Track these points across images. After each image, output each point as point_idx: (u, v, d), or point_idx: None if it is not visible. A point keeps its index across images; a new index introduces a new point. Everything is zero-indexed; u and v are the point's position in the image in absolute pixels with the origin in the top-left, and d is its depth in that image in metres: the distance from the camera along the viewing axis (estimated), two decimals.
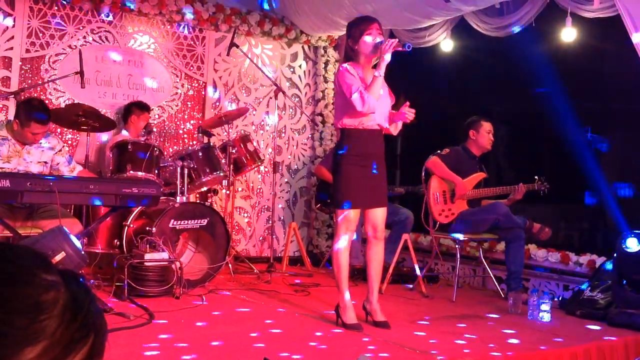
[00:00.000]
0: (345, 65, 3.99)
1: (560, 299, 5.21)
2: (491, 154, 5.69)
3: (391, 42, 3.84)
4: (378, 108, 3.92)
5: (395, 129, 4.14)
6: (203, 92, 6.69)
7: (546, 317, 4.44)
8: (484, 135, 5.46)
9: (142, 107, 5.91)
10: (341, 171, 3.99)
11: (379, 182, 4.07)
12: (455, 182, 5.31)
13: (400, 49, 3.83)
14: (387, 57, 3.86)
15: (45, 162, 4.57)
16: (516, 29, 5.44)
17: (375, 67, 3.96)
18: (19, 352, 0.75)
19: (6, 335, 0.75)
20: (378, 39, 3.93)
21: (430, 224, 5.41)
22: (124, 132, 5.83)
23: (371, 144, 4.00)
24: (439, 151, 5.45)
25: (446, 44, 6.20)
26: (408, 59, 3.91)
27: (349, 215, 3.98)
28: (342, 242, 3.99)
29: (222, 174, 5.38)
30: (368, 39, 3.93)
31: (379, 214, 4.08)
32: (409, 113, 3.99)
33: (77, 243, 3.60)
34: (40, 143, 4.56)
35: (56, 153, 4.62)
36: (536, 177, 5.36)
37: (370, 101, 3.84)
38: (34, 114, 4.37)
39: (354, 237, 4.25)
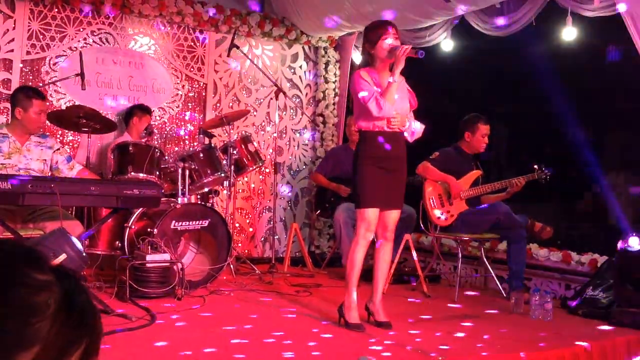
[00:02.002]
0: (359, 71, 4.04)
1: (562, 298, 5.21)
2: (492, 153, 5.68)
3: (405, 49, 3.87)
4: (395, 111, 3.95)
5: (410, 136, 4.14)
6: (203, 93, 6.70)
7: (548, 316, 4.44)
8: (478, 139, 5.44)
9: (143, 110, 5.93)
10: (359, 172, 4.03)
11: (396, 183, 4.08)
12: (449, 182, 5.30)
13: (413, 55, 3.88)
14: (401, 63, 3.90)
15: (45, 160, 4.58)
16: (516, 29, 5.43)
17: (391, 69, 3.98)
18: (12, 357, 0.73)
19: None
20: (395, 43, 3.96)
21: (430, 228, 5.40)
22: (126, 135, 5.85)
23: (389, 146, 4.01)
24: (430, 156, 5.44)
25: (446, 44, 6.20)
26: (408, 59, 3.92)
27: (368, 214, 3.99)
28: (361, 242, 4.00)
29: (223, 175, 5.38)
30: (384, 44, 3.96)
31: (392, 216, 4.09)
32: (393, 122, 4.00)
33: (79, 245, 3.60)
34: (39, 142, 4.58)
35: (55, 152, 4.64)
36: (535, 166, 5.31)
37: (386, 106, 3.88)
38: (31, 92, 4.57)
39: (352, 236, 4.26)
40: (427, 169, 5.36)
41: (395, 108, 3.97)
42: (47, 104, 4.63)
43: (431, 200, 5.31)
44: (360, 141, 4.10)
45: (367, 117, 3.97)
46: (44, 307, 0.76)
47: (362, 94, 3.91)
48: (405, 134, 4.11)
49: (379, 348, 3.51)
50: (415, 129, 4.11)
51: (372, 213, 3.99)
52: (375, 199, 3.99)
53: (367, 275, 4.34)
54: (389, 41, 3.96)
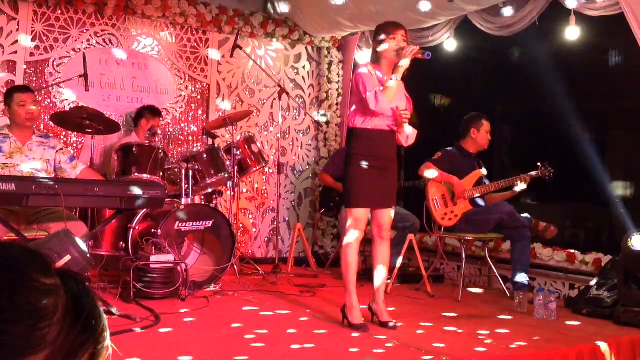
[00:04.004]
0: (365, 64, 4.07)
1: (566, 297, 5.20)
2: (495, 153, 5.68)
3: (412, 49, 3.89)
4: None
5: (405, 141, 4.13)
6: (207, 94, 6.70)
7: (552, 316, 4.43)
8: (484, 135, 5.45)
9: (153, 112, 5.94)
10: (351, 170, 4.02)
11: (388, 182, 4.08)
12: (452, 182, 5.29)
13: (420, 56, 3.90)
14: (406, 63, 3.93)
15: (48, 160, 4.59)
16: (519, 29, 5.43)
17: (394, 71, 3.99)
18: None
19: (6, 345, 0.72)
20: (402, 45, 3.97)
21: (434, 229, 5.39)
22: (133, 135, 5.86)
23: (381, 145, 4.02)
24: (432, 157, 5.44)
25: (450, 44, 6.20)
26: (414, 60, 3.93)
27: (358, 214, 3.99)
28: (352, 242, 4.00)
29: (226, 176, 5.38)
30: (391, 43, 3.97)
31: (385, 215, 4.09)
32: (404, 114, 3.99)
33: (83, 246, 3.61)
34: (42, 142, 4.59)
35: (57, 152, 4.65)
36: (539, 164, 5.31)
37: (383, 102, 3.89)
38: (13, 88, 4.69)
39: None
40: (430, 170, 5.35)
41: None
42: (36, 96, 4.67)
43: (435, 201, 5.30)
44: (352, 139, 4.09)
45: (363, 114, 3.97)
46: (51, 311, 0.75)
47: (363, 85, 3.92)
48: (400, 139, 4.10)
49: (383, 349, 3.51)
50: (409, 133, 4.11)
51: (362, 213, 4.00)
52: (366, 198, 3.99)
53: (369, 274, 4.34)
54: (392, 44, 3.96)
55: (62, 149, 4.72)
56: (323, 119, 7.25)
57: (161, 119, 6.08)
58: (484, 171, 5.47)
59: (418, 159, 5.56)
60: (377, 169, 4.01)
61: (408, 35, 4.10)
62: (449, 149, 5.51)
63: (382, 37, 4.02)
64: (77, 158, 5.13)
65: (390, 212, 4.13)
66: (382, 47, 4.02)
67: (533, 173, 5.29)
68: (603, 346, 3.73)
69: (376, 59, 4.10)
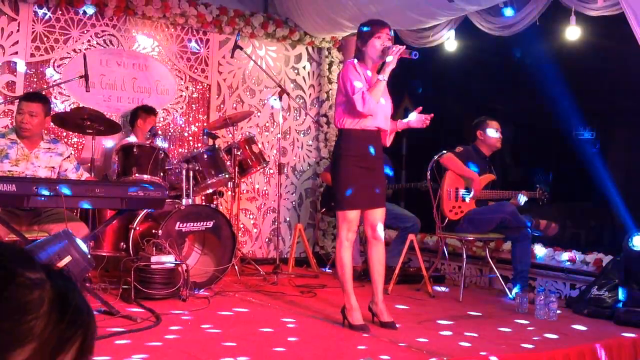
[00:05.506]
0: (352, 61, 4.02)
1: (567, 297, 5.20)
2: (497, 152, 5.69)
3: (398, 49, 3.86)
4: (378, 110, 3.96)
5: (388, 140, 4.13)
6: (207, 95, 6.71)
7: (553, 316, 4.43)
8: (492, 134, 5.45)
9: (148, 111, 5.94)
10: (340, 172, 4.01)
11: (378, 182, 4.07)
12: (473, 177, 5.29)
13: (406, 56, 3.87)
14: (393, 62, 3.88)
15: (53, 167, 4.57)
16: (520, 28, 5.42)
17: (379, 71, 3.97)
18: (7, 356, 0.72)
19: None
20: (387, 44, 3.94)
21: (437, 220, 5.38)
22: (132, 136, 5.85)
23: (369, 145, 4.01)
24: (454, 149, 5.44)
25: (450, 44, 6.19)
26: (413, 59, 3.92)
27: (350, 215, 3.98)
28: (345, 243, 4.00)
29: (227, 176, 5.39)
30: (376, 42, 3.95)
31: (377, 215, 4.08)
32: (426, 119, 4.06)
33: (84, 246, 3.61)
34: (49, 148, 4.57)
35: (64, 159, 4.63)
36: (537, 186, 5.41)
37: (371, 103, 3.86)
38: (23, 96, 4.63)
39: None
40: (453, 160, 5.35)
41: (381, 107, 3.97)
42: (42, 105, 4.50)
43: (449, 192, 5.31)
44: (341, 140, 4.07)
45: (352, 113, 3.95)
46: (37, 305, 0.76)
47: (350, 84, 3.88)
48: (387, 140, 4.11)
49: (384, 349, 3.50)
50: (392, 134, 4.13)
51: (353, 215, 3.99)
52: (357, 200, 3.98)
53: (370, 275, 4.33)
54: (377, 44, 3.94)
55: (69, 156, 4.69)
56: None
57: (156, 116, 6.05)
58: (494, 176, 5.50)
59: (419, 160, 5.55)
60: (366, 170, 3.99)
61: (392, 32, 4.07)
62: (467, 146, 5.52)
63: (367, 36, 3.98)
64: (78, 159, 5.12)
65: (382, 212, 4.11)
66: (366, 47, 3.98)
67: (531, 192, 5.36)
68: (604, 346, 3.73)
69: (361, 57, 4.05)
